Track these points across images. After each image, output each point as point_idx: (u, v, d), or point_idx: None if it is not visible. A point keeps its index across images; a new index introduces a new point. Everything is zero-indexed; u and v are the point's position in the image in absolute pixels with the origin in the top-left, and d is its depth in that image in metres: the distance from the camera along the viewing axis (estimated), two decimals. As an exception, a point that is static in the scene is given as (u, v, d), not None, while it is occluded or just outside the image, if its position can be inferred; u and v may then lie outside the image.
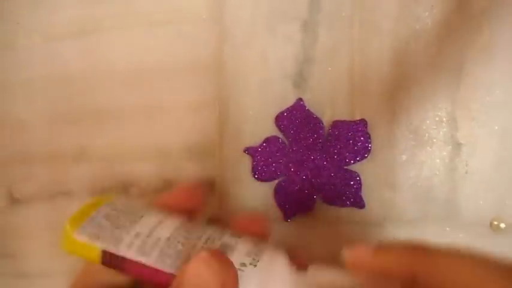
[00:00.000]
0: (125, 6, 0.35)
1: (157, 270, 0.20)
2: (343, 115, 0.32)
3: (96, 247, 0.21)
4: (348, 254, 0.20)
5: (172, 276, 0.20)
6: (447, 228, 0.31)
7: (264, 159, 0.33)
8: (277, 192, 0.33)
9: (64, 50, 0.36)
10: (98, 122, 0.35)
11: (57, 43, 0.36)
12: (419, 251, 0.19)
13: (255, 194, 0.33)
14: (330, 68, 0.32)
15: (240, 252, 0.21)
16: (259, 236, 0.24)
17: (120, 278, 0.22)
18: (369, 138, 0.31)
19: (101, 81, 0.35)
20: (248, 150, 0.33)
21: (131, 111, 0.35)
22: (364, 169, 0.32)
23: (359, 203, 0.31)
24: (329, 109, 0.32)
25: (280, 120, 0.33)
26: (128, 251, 0.21)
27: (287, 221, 0.32)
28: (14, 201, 0.37)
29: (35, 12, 0.36)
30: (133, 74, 0.35)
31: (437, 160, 0.31)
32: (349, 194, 0.31)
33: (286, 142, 0.33)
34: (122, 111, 0.35)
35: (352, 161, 0.32)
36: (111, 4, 0.35)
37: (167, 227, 0.22)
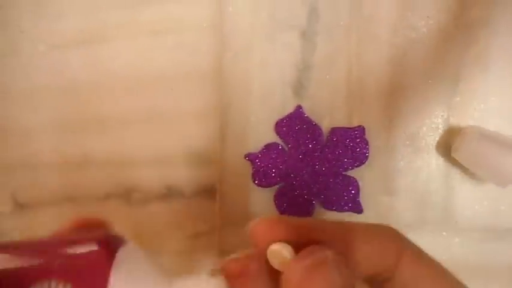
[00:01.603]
0: (127, 16, 0.35)
1: None
2: (342, 122, 0.33)
3: None
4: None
5: None
6: (443, 233, 0.32)
7: (264, 165, 0.33)
8: (277, 197, 0.33)
9: (68, 59, 0.36)
10: (101, 129, 0.36)
11: (60, 52, 0.37)
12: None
13: (255, 200, 0.34)
14: (328, 76, 0.33)
15: None
16: None
17: None
18: (367, 144, 0.32)
19: (104, 89, 0.36)
20: (248, 157, 0.34)
21: (134, 119, 0.35)
22: (362, 175, 0.32)
23: (357, 208, 0.32)
24: (328, 116, 0.33)
25: (280, 127, 0.33)
26: None
27: (287, 225, 0.33)
28: (19, 206, 0.37)
29: (39, 21, 0.37)
30: (136, 82, 0.35)
31: (434, 166, 0.32)
32: (347, 200, 0.32)
33: (286, 148, 0.33)
34: (125, 118, 0.36)
35: (350, 167, 0.32)
36: (113, 14, 0.36)
37: None
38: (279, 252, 0.17)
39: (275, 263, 0.17)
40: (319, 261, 0.16)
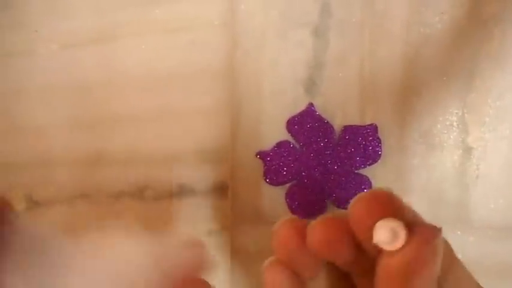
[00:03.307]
0: (139, 14, 0.35)
1: None
2: (354, 120, 0.32)
3: None
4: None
5: None
6: (458, 232, 0.31)
7: (275, 163, 0.33)
8: (289, 195, 0.33)
9: (81, 57, 0.37)
10: (114, 127, 0.36)
11: (74, 50, 0.37)
12: None
13: (266, 198, 0.34)
14: (340, 73, 0.33)
15: None
16: None
17: None
18: (380, 142, 0.32)
19: (117, 87, 0.36)
20: (260, 155, 0.34)
21: (146, 117, 0.36)
22: (374, 173, 0.32)
23: (370, 207, 0.32)
24: (340, 114, 0.33)
25: (292, 124, 0.33)
26: None
27: (299, 224, 0.33)
28: (34, 204, 0.38)
29: (52, 20, 0.37)
30: (148, 80, 0.36)
31: (448, 164, 0.31)
32: (359, 198, 0.32)
33: (298, 146, 0.33)
34: (137, 116, 0.36)
35: (362, 166, 0.32)
36: (126, 12, 0.36)
37: None
38: (391, 228, 0.16)
39: (382, 239, 0.16)
40: (439, 242, 0.15)
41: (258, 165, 0.34)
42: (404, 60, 0.31)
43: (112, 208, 0.36)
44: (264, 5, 0.34)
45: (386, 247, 0.16)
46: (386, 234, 0.16)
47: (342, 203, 0.32)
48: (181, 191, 0.35)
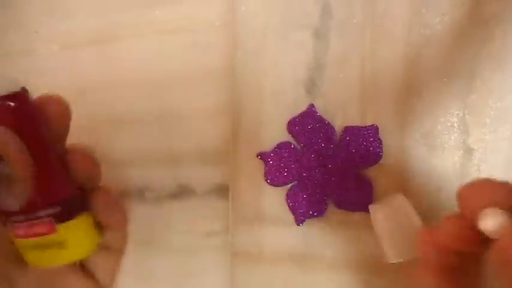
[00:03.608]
0: (140, 15, 0.35)
1: None
2: (355, 121, 0.32)
3: None
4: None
5: None
6: (458, 233, 0.31)
7: (276, 164, 0.33)
8: (290, 196, 0.33)
9: (81, 58, 0.37)
10: (114, 128, 0.36)
11: (74, 51, 0.37)
12: None
13: (267, 199, 0.34)
14: (341, 74, 0.32)
15: None
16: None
17: None
18: (381, 143, 0.32)
19: (117, 88, 0.36)
20: (261, 156, 0.33)
21: (147, 117, 0.36)
22: (375, 174, 0.32)
23: (370, 208, 0.32)
24: (341, 115, 0.33)
25: (292, 125, 0.33)
26: None
27: (299, 225, 0.33)
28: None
29: (52, 21, 0.37)
30: (148, 81, 0.35)
31: (449, 165, 0.31)
32: (360, 199, 0.32)
33: (299, 147, 0.33)
34: (138, 117, 0.36)
35: (363, 166, 0.32)
36: (126, 13, 0.36)
37: None
38: (496, 216, 0.16)
39: (488, 228, 0.16)
40: None
41: (259, 166, 0.34)
42: (405, 61, 0.31)
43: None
44: (265, 6, 0.33)
45: (492, 235, 0.15)
46: (490, 222, 0.16)
47: (343, 204, 0.32)
48: (181, 192, 0.35)
